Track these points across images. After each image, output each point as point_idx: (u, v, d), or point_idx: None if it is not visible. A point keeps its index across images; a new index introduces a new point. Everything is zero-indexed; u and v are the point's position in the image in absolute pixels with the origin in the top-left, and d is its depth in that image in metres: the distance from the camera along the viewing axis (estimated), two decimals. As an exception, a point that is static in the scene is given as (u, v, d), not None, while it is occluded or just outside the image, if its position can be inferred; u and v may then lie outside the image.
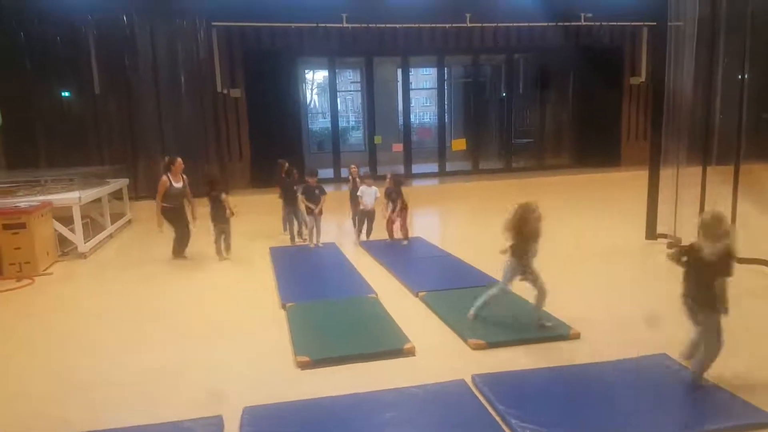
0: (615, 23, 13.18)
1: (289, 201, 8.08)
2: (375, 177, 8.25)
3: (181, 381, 3.97)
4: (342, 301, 5.47)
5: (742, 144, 6.46)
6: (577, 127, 14.44)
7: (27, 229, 6.86)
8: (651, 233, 7.38)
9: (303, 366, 4.07)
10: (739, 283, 5.86)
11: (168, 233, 7.37)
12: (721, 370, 3.73)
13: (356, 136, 20.75)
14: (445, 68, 15.02)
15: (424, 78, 22.26)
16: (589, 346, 4.30)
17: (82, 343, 4.76)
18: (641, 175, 7.84)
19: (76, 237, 7.68)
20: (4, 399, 3.83)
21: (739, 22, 6.42)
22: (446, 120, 15.63)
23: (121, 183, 10.05)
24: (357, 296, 5.60)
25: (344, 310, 5.19)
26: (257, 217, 9.31)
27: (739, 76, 6.57)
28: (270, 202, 8.63)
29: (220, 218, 7.20)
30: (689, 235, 6.77)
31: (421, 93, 22.45)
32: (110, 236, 8.99)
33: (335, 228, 9.06)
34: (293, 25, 11.69)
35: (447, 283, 5.93)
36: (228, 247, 7.38)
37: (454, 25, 12.55)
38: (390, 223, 7.84)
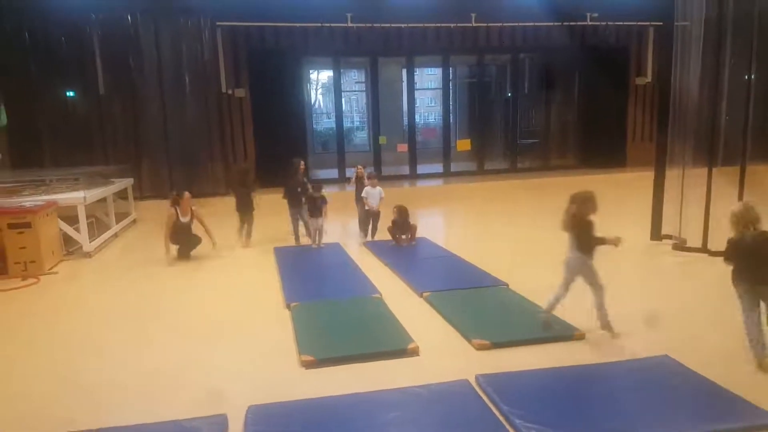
0: (621, 23, 13.13)
1: (294, 202, 8.07)
2: (380, 177, 8.20)
3: (185, 380, 3.98)
4: (346, 301, 5.47)
5: (748, 145, 6.43)
6: (583, 127, 14.40)
7: (32, 229, 6.88)
8: (656, 234, 7.35)
9: (307, 365, 4.07)
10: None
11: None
12: (725, 370, 3.72)
13: (361, 137, 20.76)
14: (450, 68, 14.97)
15: (429, 78, 22.25)
16: (593, 346, 4.29)
17: (86, 342, 4.78)
18: (647, 176, 7.81)
19: (81, 236, 7.71)
20: (9, 399, 3.84)
21: (745, 23, 6.38)
22: (451, 120, 15.58)
23: (126, 183, 10.09)
24: (361, 296, 5.59)
25: (348, 309, 5.19)
26: (262, 217, 9.28)
27: (746, 77, 6.54)
28: (274, 202, 8.62)
29: (246, 211, 7.97)
30: (694, 236, 6.80)
31: (426, 93, 22.42)
32: (115, 236, 9.03)
33: (339, 228, 9.06)
34: (298, 25, 11.69)
35: (451, 284, 5.92)
36: (249, 235, 8.03)
37: (459, 24, 12.53)
38: (393, 230, 7.80)
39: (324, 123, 20.52)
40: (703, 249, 6.75)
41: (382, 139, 13.38)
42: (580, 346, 4.31)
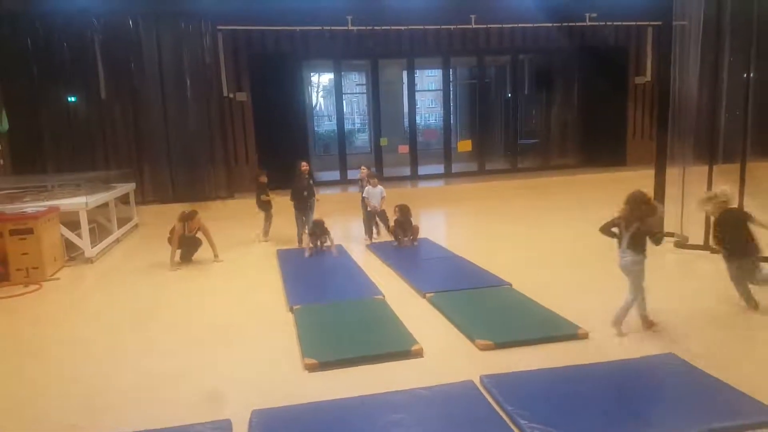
0: (620, 23, 13.15)
1: (300, 205, 8.06)
2: (381, 178, 8.20)
3: (189, 384, 3.98)
4: (349, 303, 5.47)
5: (747, 142, 6.43)
6: (583, 127, 14.39)
7: (34, 235, 6.90)
8: (658, 232, 7.34)
9: (311, 368, 4.07)
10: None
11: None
12: (730, 368, 3.72)
13: (362, 139, 20.77)
14: (451, 69, 14.98)
15: (429, 79, 22.27)
16: (596, 345, 4.29)
17: (89, 348, 4.78)
18: (647, 175, 7.81)
19: (83, 242, 7.72)
20: (13, 404, 3.85)
21: (744, 21, 6.39)
22: (452, 121, 15.59)
23: (128, 187, 10.11)
24: (364, 298, 5.60)
25: (351, 312, 5.19)
26: (264, 220, 9.32)
27: (745, 75, 6.54)
28: (276, 205, 8.65)
29: (266, 210, 8.62)
30: (696, 234, 6.80)
31: (427, 94, 22.45)
32: (117, 241, 9.04)
33: (341, 230, 9.06)
34: (298, 28, 11.72)
35: (454, 284, 5.91)
36: (267, 233, 8.63)
37: (459, 26, 12.55)
38: (396, 230, 7.81)
39: (325, 125, 20.54)
40: (705, 246, 6.75)
41: (383, 141, 13.39)
42: (584, 346, 4.31)
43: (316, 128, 19.09)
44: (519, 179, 13.02)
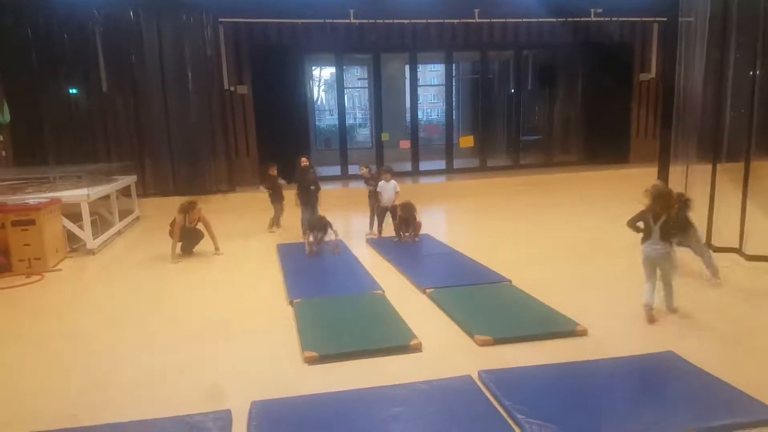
0: (625, 19, 13.07)
1: (306, 200, 8.03)
2: (393, 173, 8.15)
3: (189, 376, 3.99)
4: (349, 297, 5.48)
5: (752, 141, 6.40)
6: (586, 123, 14.33)
7: (36, 226, 6.91)
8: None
9: (310, 361, 4.08)
10: (749, 280, 5.85)
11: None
12: (729, 366, 3.71)
13: (363, 133, 20.74)
14: (453, 64, 14.92)
15: (431, 74, 22.20)
16: (595, 342, 4.29)
17: (90, 339, 4.79)
18: (650, 172, 7.78)
19: (85, 234, 7.73)
20: (13, 395, 3.86)
21: (750, 18, 6.35)
22: (454, 117, 15.55)
23: (129, 180, 10.11)
24: (364, 293, 5.60)
25: (351, 306, 5.20)
26: (264, 214, 9.33)
27: (751, 73, 6.50)
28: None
29: (279, 201, 8.85)
30: (699, 232, 6.77)
31: (429, 89, 22.39)
32: (119, 233, 9.06)
33: (342, 225, 9.06)
34: (300, 21, 11.68)
35: (454, 280, 5.91)
36: (277, 223, 8.87)
37: (462, 20, 12.50)
38: (399, 227, 7.80)
39: (326, 120, 20.50)
40: (708, 245, 6.73)
41: (385, 136, 13.36)
42: (583, 342, 4.31)
43: (317, 122, 19.07)
44: (521, 176, 12.99)
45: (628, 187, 11.03)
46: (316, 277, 6.34)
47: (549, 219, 9.27)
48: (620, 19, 13.03)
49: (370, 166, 8.75)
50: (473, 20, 12.51)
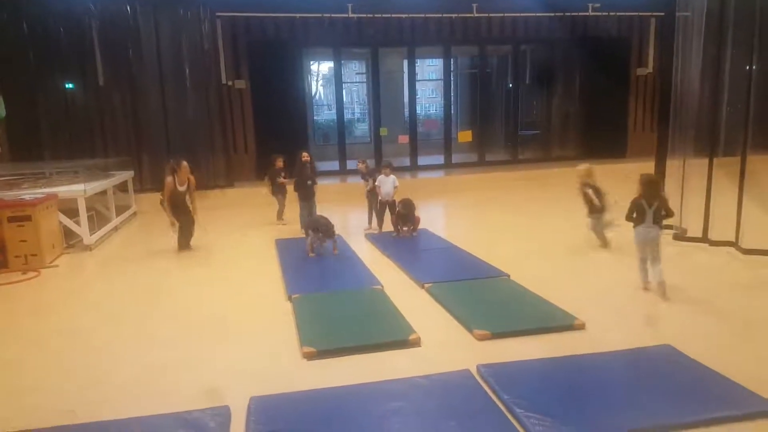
0: (622, 13, 13.06)
1: (304, 195, 8.01)
2: (393, 168, 8.13)
3: (187, 372, 3.99)
4: (348, 292, 5.48)
5: (749, 135, 6.41)
6: (584, 118, 14.33)
7: (32, 222, 6.89)
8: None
9: (309, 357, 4.09)
10: (745, 273, 5.87)
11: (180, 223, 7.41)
12: (727, 359, 3.73)
13: (362, 128, 20.71)
14: (452, 59, 14.89)
15: (430, 69, 22.15)
16: (593, 336, 4.30)
17: (87, 336, 4.78)
18: (647, 167, 7.76)
19: (82, 229, 7.71)
20: (11, 392, 3.85)
21: (747, 13, 6.34)
22: (452, 111, 15.52)
23: (126, 175, 10.08)
24: (363, 288, 5.60)
25: (350, 301, 5.20)
26: (262, 209, 9.32)
27: (747, 68, 6.50)
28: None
29: (282, 194, 8.82)
30: (695, 226, 6.80)
31: (427, 84, 22.34)
32: (115, 229, 9.03)
33: (340, 220, 9.05)
34: (298, 15, 11.63)
35: (453, 275, 5.92)
36: (282, 216, 8.87)
37: (460, 14, 12.46)
38: (397, 222, 7.80)
39: (325, 114, 20.46)
40: (704, 239, 6.76)
41: (383, 131, 13.34)
42: (581, 336, 4.32)
43: (315, 117, 19.03)
44: (519, 170, 13.00)
45: (625, 181, 11.08)
46: (315, 272, 6.33)
47: (547, 213, 9.28)
48: (618, 14, 13.03)
49: (367, 161, 8.73)
50: (471, 15, 12.48)
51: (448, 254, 6.91)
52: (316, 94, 20.37)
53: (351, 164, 12.60)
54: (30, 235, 6.89)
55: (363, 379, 3.70)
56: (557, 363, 3.84)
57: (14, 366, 4.26)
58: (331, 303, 5.17)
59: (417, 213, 7.85)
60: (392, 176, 7.95)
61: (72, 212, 7.69)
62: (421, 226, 7.94)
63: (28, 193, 7.51)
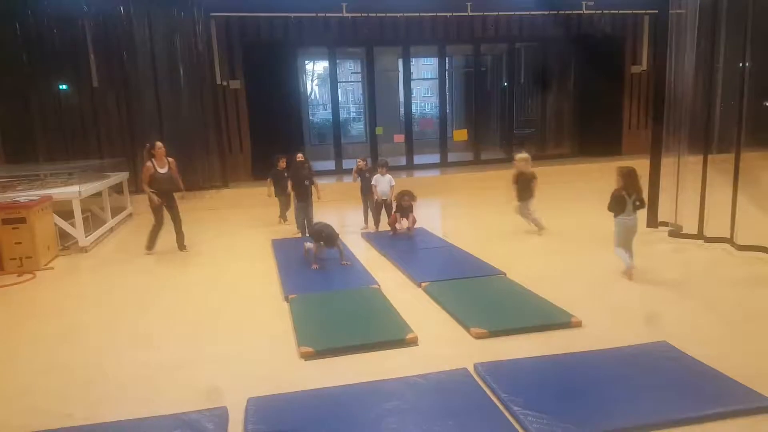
0: (616, 12, 13.10)
1: (301, 196, 8.00)
2: (389, 167, 8.12)
3: (184, 373, 3.98)
4: (344, 292, 5.48)
5: (742, 132, 6.44)
6: (579, 116, 14.38)
7: (27, 224, 6.85)
8: (652, 221, 7.38)
9: (306, 357, 4.08)
10: (740, 270, 5.90)
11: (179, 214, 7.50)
12: (723, 355, 3.75)
13: (357, 128, 20.69)
14: (447, 58, 14.90)
15: (425, 68, 22.15)
16: (590, 334, 4.31)
17: (84, 338, 4.77)
18: (642, 164, 7.77)
19: (77, 231, 7.68)
20: (7, 394, 3.84)
21: (740, 10, 6.37)
22: (447, 110, 15.53)
23: (121, 176, 10.05)
24: (359, 287, 5.60)
25: (347, 301, 5.20)
26: (258, 209, 9.31)
27: (741, 65, 6.53)
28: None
29: (284, 194, 8.63)
30: (690, 223, 6.83)
31: (423, 83, 22.35)
32: (111, 230, 9.00)
33: (337, 219, 9.05)
34: (293, 15, 11.62)
35: (449, 273, 5.92)
36: (285, 216, 8.87)
37: (455, 14, 12.48)
38: (394, 220, 7.80)
39: (320, 114, 20.42)
40: (699, 235, 6.79)
41: (379, 130, 13.34)
42: (578, 334, 4.33)
43: (311, 117, 19.00)
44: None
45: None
46: (312, 272, 6.32)
47: (542, 212, 9.28)
48: (611, 12, 13.07)
49: (367, 159, 8.75)
50: (466, 14, 12.50)
51: (444, 253, 6.92)
52: (311, 93, 20.35)
53: (346, 164, 12.61)
54: (25, 238, 6.86)
55: (360, 378, 3.70)
56: (554, 361, 3.85)
57: (10, 368, 4.24)
58: (328, 303, 5.17)
59: (414, 211, 7.85)
60: (388, 176, 7.95)
61: (67, 214, 7.66)
62: (417, 224, 7.94)
63: (22, 195, 7.48)
